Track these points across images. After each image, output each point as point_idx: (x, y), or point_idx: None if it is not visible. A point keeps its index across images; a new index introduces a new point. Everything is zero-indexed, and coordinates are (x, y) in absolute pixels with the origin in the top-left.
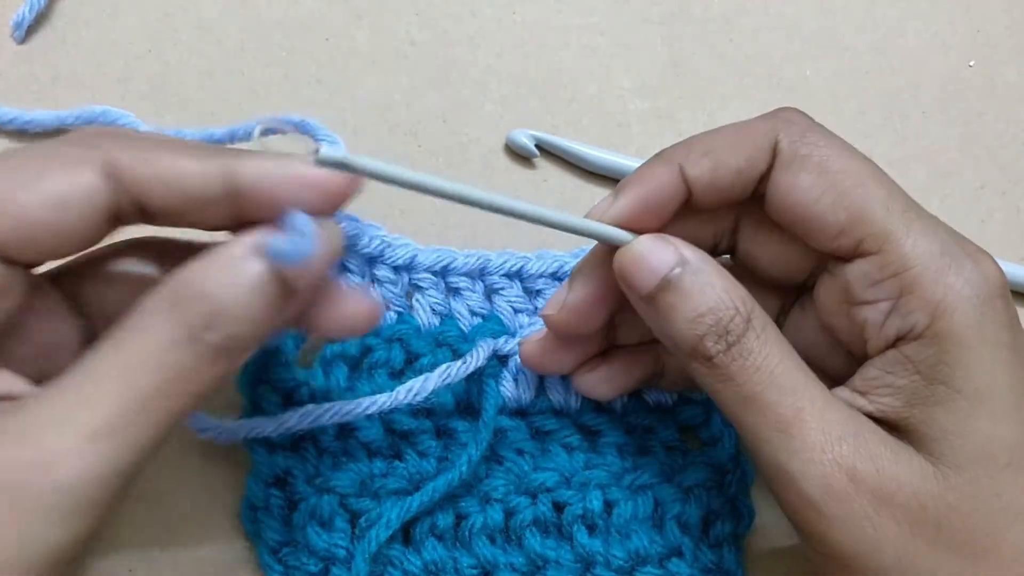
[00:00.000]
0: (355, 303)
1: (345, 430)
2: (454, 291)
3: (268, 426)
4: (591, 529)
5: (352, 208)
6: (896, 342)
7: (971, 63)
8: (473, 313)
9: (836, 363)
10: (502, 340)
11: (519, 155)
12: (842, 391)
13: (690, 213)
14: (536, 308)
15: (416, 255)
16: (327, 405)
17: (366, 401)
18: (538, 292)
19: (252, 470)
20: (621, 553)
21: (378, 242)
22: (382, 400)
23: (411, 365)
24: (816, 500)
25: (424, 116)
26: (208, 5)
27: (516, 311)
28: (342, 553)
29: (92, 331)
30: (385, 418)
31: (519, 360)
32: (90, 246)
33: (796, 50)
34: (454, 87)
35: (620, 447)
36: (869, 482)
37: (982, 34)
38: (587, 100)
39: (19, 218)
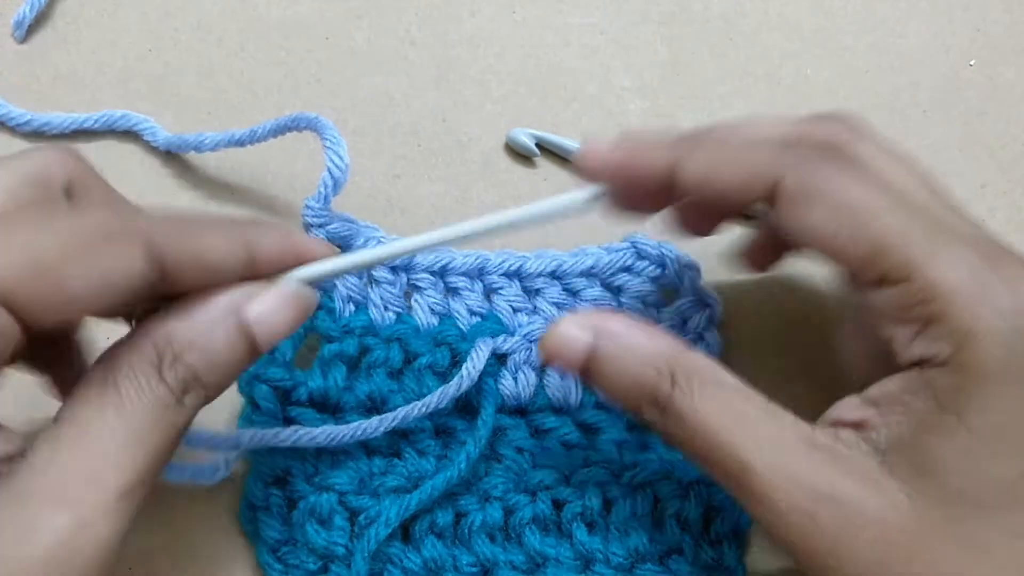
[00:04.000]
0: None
1: None
2: (453, 291)
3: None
4: (590, 527)
5: (350, 207)
6: (920, 363)
7: (971, 63)
8: (472, 312)
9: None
10: (501, 339)
11: (519, 154)
12: (852, 399)
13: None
14: (535, 308)
15: (414, 255)
16: (319, 429)
17: (365, 424)
18: (537, 291)
19: (251, 470)
20: (620, 551)
21: (374, 243)
22: (392, 417)
23: (410, 365)
24: (785, 542)
25: (424, 115)
26: (208, 5)
27: (515, 310)
28: (341, 551)
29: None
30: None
31: (517, 357)
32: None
33: (796, 50)
34: (454, 86)
35: (619, 444)
36: (829, 518)
37: (982, 34)
38: (587, 99)
39: (61, 290)
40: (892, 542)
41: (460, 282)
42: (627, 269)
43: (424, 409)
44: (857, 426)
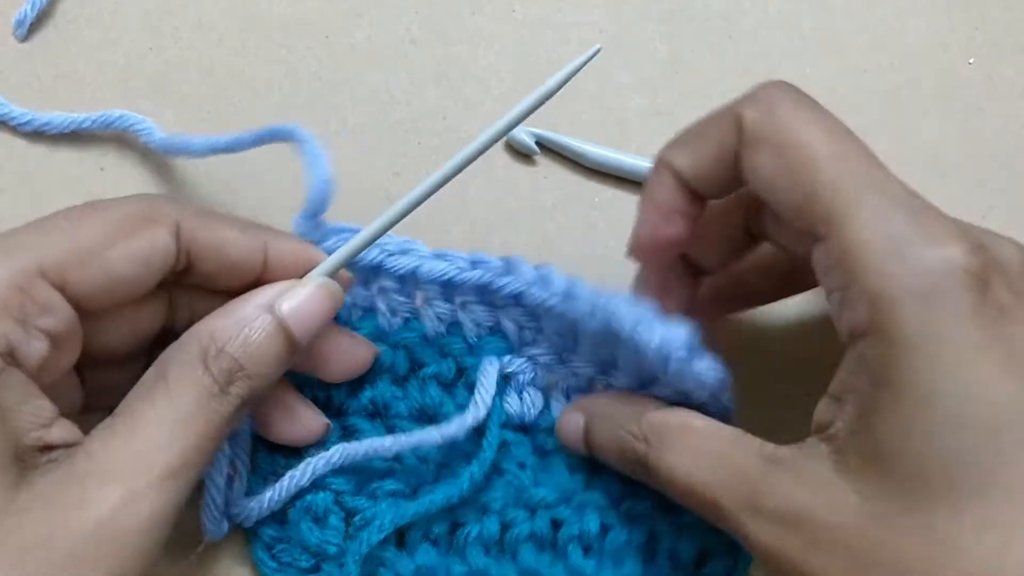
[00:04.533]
0: (350, 352)
1: (348, 430)
2: (462, 303)
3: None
4: (586, 550)
5: (351, 205)
6: (850, 337)
7: (971, 61)
8: (479, 325)
9: None
10: (507, 359)
11: (519, 152)
12: (823, 400)
13: (710, 210)
14: (542, 329)
15: (419, 266)
16: (333, 450)
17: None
18: (541, 315)
19: (254, 470)
20: (630, 565)
21: (377, 252)
22: (391, 441)
23: (415, 373)
24: (770, 571)
25: (424, 114)
26: (209, 3)
27: (521, 327)
28: (333, 550)
29: (88, 403)
30: (387, 422)
31: (523, 378)
32: (141, 297)
33: (796, 48)
34: (454, 84)
35: (621, 474)
36: (790, 538)
37: (981, 32)
38: (587, 97)
39: (107, 271)
40: (851, 548)
41: (467, 296)
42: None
43: (440, 438)
44: (820, 429)
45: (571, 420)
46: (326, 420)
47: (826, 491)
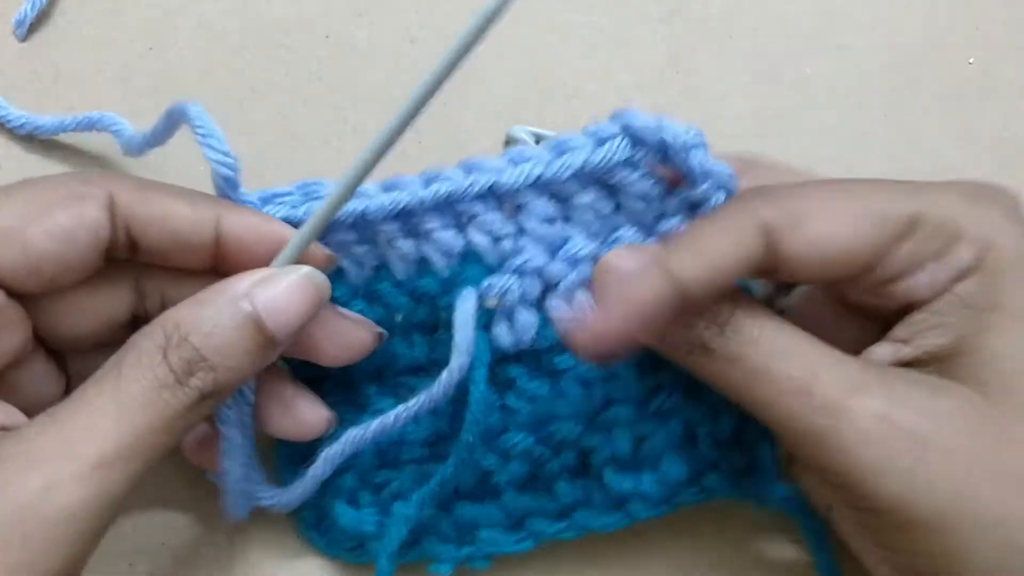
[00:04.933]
0: (348, 335)
1: (355, 401)
2: (425, 232)
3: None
4: (622, 468)
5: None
6: (951, 282)
7: (971, 60)
8: (448, 254)
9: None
10: (485, 285)
11: None
12: (881, 345)
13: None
14: (523, 229)
15: (365, 207)
16: (344, 439)
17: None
18: (520, 207)
19: (276, 452)
20: (655, 489)
21: (318, 206)
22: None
23: (396, 323)
24: (852, 452)
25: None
26: (209, 3)
27: (496, 239)
28: (373, 529)
29: (70, 389)
30: (390, 382)
31: (509, 300)
32: (85, 277)
33: (795, 47)
34: (454, 84)
35: (640, 365)
36: (907, 423)
37: (981, 32)
38: (587, 97)
39: (27, 249)
40: (977, 433)
41: (428, 222)
42: (624, 162)
43: (430, 401)
44: (894, 362)
45: (627, 260)
46: (327, 413)
47: (945, 390)
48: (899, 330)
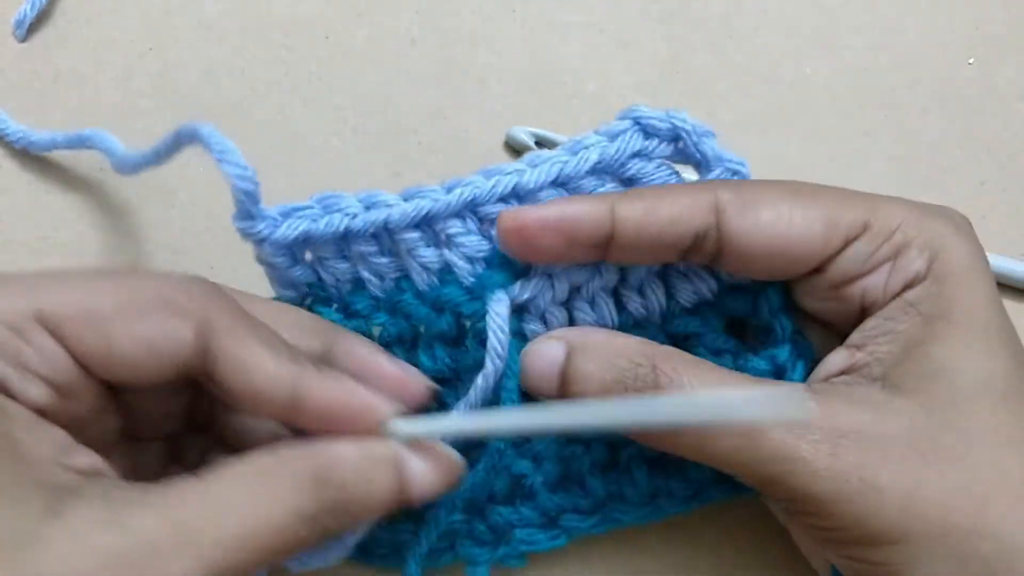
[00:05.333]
0: (407, 386)
1: None
2: (446, 238)
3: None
4: (650, 465)
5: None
6: (900, 292)
7: (970, 60)
8: (472, 260)
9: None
10: (517, 287)
11: (519, 152)
12: (837, 352)
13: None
14: None
15: (389, 215)
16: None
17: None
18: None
19: None
20: (681, 487)
21: (340, 217)
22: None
23: (420, 336)
24: (805, 489)
25: (424, 113)
26: (209, 3)
27: None
28: (408, 536)
29: (129, 428)
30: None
31: (541, 301)
32: (152, 383)
33: (795, 48)
34: (454, 84)
35: (717, 352)
36: (852, 456)
37: (981, 31)
38: (587, 97)
39: (111, 345)
40: (922, 451)
41: (451, 226)
42: (637, 154)
43: (468, 408)
44: (847, 371)
45: (546, 352)
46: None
47: (888, 408)
48: (854, 336)
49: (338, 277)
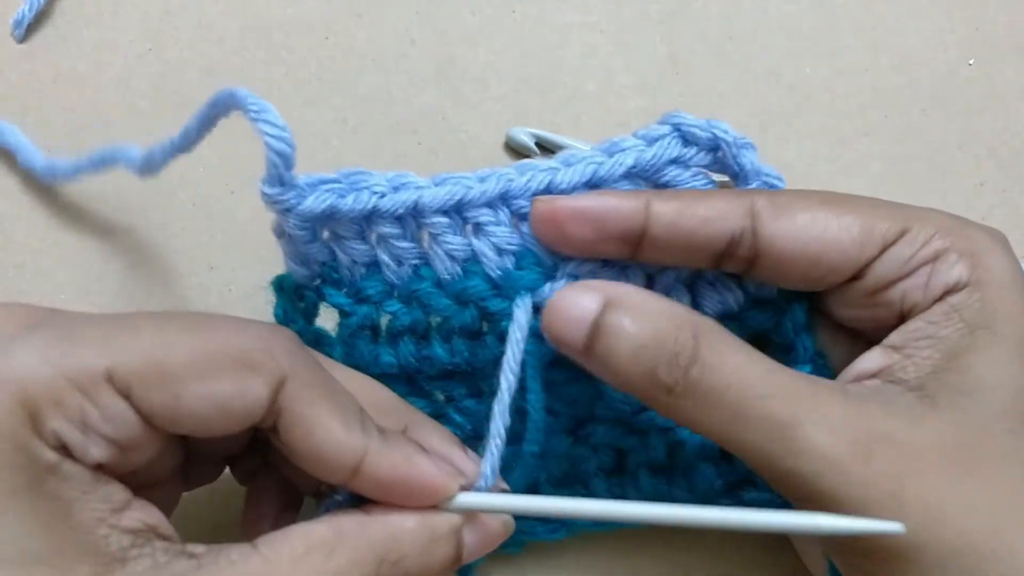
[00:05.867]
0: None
1: None
2: (476, 227)
3: None
4: (655, 471)
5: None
6: (943, 296)
7: (971, 61)
8: (501, 251)
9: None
10: (547, 288)
11: (519, 153)
12: (873, 351)
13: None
14: None
15: (420, 197)
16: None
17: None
18: None
19: None
20: (685, 496)
21: (367, 196)
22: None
23: (438, 326)
24: (834, 492)
25: (424, 114)
26: (208, 4)
27: None
28: None
29: (190, 455)
30: (420, 386)
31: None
32: (220, 440)
33: (795, 48)
34: (454, 85)
35: None
36: (885, 464)
37: (981, 33)
38: (587, 98)
39: (180, 402)
40: (948, 468)
41: (482, 215)
42: (674, 161)
43: (499, 432)
44: (882, 373)
45: (580, 299)
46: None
47: (922, 418)
48: (894, 336)
49: (354, 259)
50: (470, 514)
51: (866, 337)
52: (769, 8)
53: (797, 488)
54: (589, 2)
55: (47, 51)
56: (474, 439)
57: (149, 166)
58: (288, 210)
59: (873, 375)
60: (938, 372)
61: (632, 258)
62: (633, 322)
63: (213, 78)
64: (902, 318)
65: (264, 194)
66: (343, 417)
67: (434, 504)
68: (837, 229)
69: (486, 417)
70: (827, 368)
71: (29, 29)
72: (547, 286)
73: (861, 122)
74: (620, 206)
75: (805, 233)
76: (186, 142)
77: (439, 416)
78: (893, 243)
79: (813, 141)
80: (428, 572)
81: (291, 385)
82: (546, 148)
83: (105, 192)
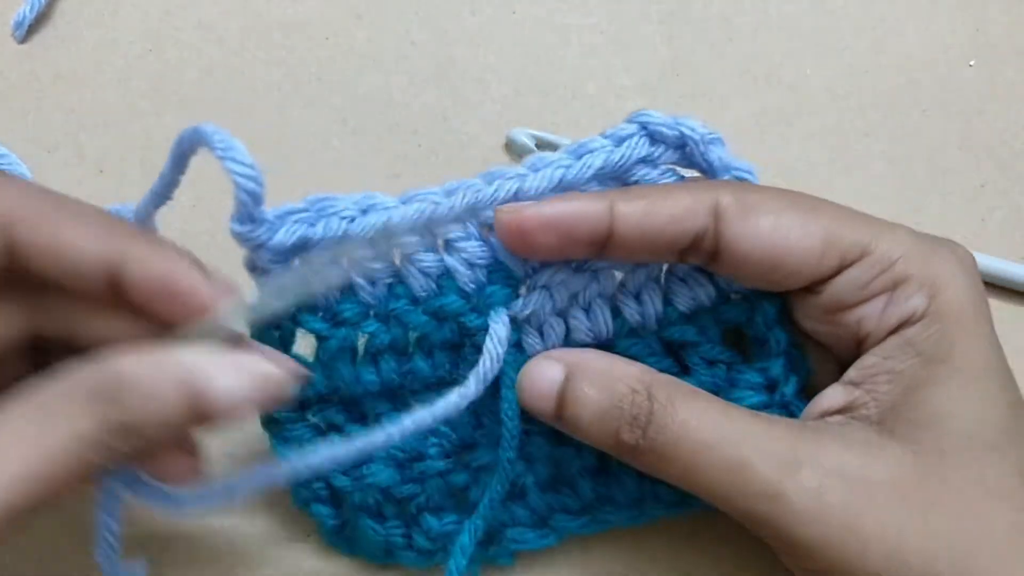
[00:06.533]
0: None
1: (364, 417)
2: (446, 243)
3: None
4: (639, 472)
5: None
6: (898, 328)
7: (971, 62)
8: (472, 266)
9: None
10: (519, 304)
11: (519, 154)
12: (834, 388)
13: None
14: None
15: (388, 219)
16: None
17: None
18: None
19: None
20: (667, 492)
21: (338, 221)
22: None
23: (417, 343)
24: (790, 531)
25: (424, 115)
26: (208, 4)
27: None
28: (400, 540)
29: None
30: (404, 401)
31: (541, 313)
32: None
33: (796, 49)
34: (454, 86)
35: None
36: (840, 500)
37: (981, 33)
38: (587, 99)
39: None
40: (907, 499)
41: (452, 232)
42: (642, 160)
43: (432, 419)
44: (845, 409)
45: (545, 372)
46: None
47: (878, 453)
48: (851, 372)
49: (329, 282)
50: (237, 345)
51: (834, 353)
52: (769, 8)
53: (760, 526)
54: (589, 3)
55: (47, 51)
56: (460, 449)
57: (140, 216)
58: (260, 246)
59: (837, 411)
60: (896, 407)
61: (599, 258)
62: (593, 389)
63: (213, 78)
64: (858, 343)
65: (235, 232)
66: (86, 224)
67: (203, 315)
68: (799, 237)
69: (469, 425)
70: (802, 361)
71: (29, 29)
72: (520, 301)
73: (861, 122)
74: (586, 211)
75: (766, 238)
76: (164, 187)
77: (432, 431)
78: (852, 264)
79: (813, 141)
80: (158, 417)
81: (16, 214)
82: (546, 149)
83: (104, 192)
